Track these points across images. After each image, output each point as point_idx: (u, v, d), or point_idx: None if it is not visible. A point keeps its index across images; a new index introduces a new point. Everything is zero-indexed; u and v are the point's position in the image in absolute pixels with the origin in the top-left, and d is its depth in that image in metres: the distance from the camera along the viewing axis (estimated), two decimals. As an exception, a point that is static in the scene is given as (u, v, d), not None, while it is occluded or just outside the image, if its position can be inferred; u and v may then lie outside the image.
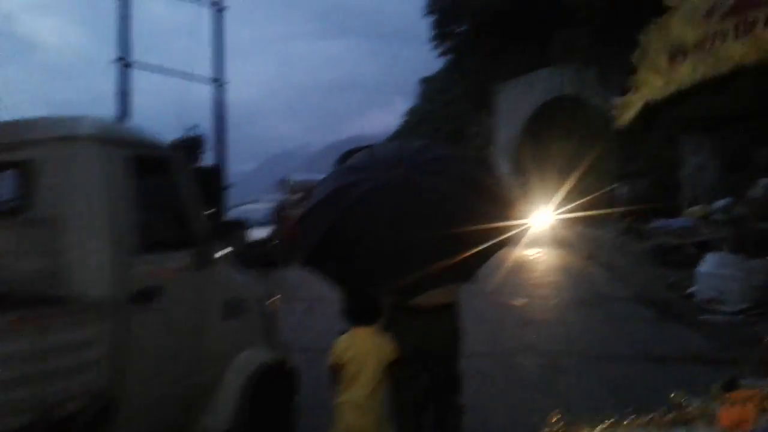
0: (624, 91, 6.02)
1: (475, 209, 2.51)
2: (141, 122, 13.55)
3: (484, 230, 2.46)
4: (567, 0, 23.01)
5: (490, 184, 2.79)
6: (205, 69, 13.03)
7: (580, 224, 21.38)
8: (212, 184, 13.87)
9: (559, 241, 17.49)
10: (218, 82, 12.84)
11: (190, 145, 13.07)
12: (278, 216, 15.17)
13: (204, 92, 13.01)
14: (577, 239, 17.62)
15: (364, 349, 2.62)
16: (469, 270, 2.61)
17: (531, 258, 14.04)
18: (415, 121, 58.02)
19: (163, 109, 14.03)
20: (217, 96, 12.73)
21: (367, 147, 3.03)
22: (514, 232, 2.61)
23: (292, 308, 7.22)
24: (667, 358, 5.51)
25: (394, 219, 2.49)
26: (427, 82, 56.65)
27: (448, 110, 44.39)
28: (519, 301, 9.18)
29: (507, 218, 2.59)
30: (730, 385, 2.19)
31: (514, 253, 14.14)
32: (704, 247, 10.61)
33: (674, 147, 17.84)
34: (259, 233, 11.95)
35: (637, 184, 20.62)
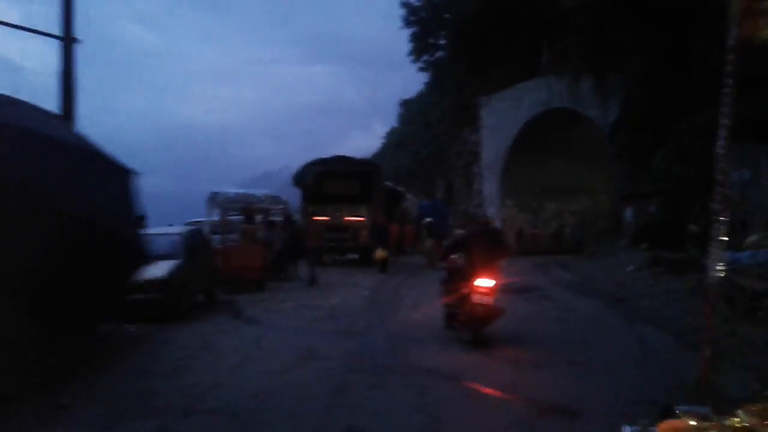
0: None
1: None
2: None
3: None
4: (557, 6, 20.57)
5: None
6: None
7: (583, 255, 18.58)
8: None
9: (564, 276, 14.46)
10: (66, 39, 9.97)
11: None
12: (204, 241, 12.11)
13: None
14: (585, 273, 14.57)
15: None
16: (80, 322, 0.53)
17: (525, 297, 10.69)
18: (394, 143, 55.82)
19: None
20: (65, 58, 9.95)
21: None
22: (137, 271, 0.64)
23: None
24: None
25: None
26: (406, 104, 54.75)
27: (428, 132, 42.31)
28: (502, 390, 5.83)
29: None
30: (666, 412, 2.37)
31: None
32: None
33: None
34: (156, 270, 8.56)
35: (645, 206, 17.85)
